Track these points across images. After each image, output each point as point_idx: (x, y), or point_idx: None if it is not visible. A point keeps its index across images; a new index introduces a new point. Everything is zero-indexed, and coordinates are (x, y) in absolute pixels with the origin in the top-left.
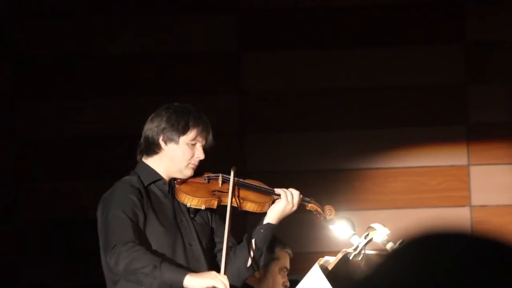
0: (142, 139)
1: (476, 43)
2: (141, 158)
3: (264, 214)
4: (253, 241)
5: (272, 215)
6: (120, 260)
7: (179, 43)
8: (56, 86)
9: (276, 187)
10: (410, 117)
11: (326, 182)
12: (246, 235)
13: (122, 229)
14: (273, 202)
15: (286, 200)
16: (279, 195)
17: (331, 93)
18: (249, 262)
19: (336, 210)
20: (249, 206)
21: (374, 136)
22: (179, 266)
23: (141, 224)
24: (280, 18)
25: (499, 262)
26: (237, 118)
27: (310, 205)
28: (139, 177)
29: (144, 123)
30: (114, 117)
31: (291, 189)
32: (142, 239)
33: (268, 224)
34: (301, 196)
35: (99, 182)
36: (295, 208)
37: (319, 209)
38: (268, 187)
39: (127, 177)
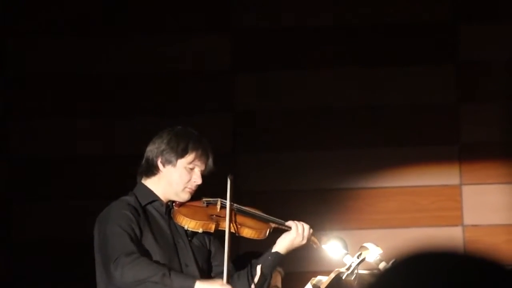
0: (143, 160)
1: (469, 63)
2: (140, 179)
3: (261, 241)
4: (258, 267)
5: (282, 245)
6: (126, 271)
7: (171, 64)
8: (50, 104)
9: (288, 220)
10: (402, 137)
11: (318, 202)
12: (252, 260)
13: (122, 242)
14: (271, 230)
15: (297, 233)
16: (289, 227)
17: (323, 113)
18: (253, 286)
19: (329, 229)
20: (246, 232)
21: (366, 156)
22: (186, 274)
23: (138, 240)
24: (274, 37)
25: (492, 282)
26: (230, 138)
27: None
28: (136, 197)
29: (137, 143)
30: (109, 137)
31: (302, 223)
32: (142, 251)
33: (277, 253)
34: (311, 230)
35: (94, 202)
36: (304, 241)
37: (315, 240)
38: (268, 216)
39: (124, 197)
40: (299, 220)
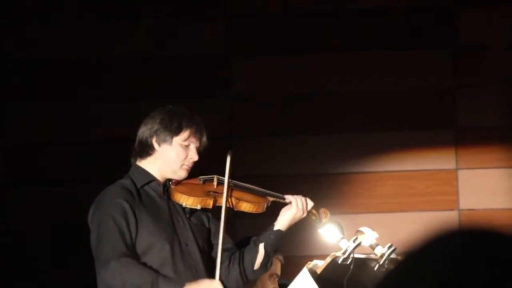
0: (136, 143)
1: (465, 48)
2: (135, 162)
3: (259, 215)
4: (261, 245)
5: (283, 222)
6: (116, 278)
7: (168, 48)
8: (47, 89)
9: (286, 193)
10: (398, 121)
11: (314, 186)
12: (254, 238)
13: (113, 241)
14: (269, 204)
15: (297, 208)
16: (289, 202)
17: (320, 97)
18: (256, 265)
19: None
20: (245, 207)
21: (362, 140)
22: (174, 279)
23: (133, 230)
24: (271, 22)
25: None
26: (227, 122)
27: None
28: (132, 180)
29: (134, 126)
30: (106, 121)
31: (301, 196)
32: (133, 249)
33: (279, 230)
34: (310, 201)
35: (92, 186)
36: (304, 214)
37: (314, 211)
38: (266, 190)
39: (119, 181)
40: None
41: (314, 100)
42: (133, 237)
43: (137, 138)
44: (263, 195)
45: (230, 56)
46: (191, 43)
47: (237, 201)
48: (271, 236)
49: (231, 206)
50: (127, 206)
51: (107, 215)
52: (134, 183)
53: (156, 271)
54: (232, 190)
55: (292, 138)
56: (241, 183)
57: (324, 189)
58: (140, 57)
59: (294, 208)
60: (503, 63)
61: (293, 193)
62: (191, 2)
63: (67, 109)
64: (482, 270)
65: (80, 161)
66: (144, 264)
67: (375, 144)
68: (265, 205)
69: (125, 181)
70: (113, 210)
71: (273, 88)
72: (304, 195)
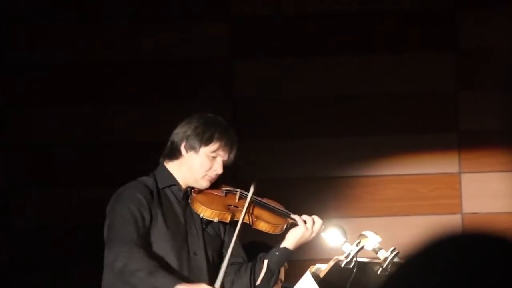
0: (168, 142)
1: (468, 51)
2: (162, 161)
3: (276, 236)
4: (266, 261)
5: (290, 240)
6: (119, 260)
7: (170, 50)
8: (48, 90)
9: (297, 213)
10: (401, 125)
11: (317, 190)
12: (260, 254)
13: (125, 227)
14: (288, 226)
15: (305, 227)
16: (301, 221)
17: (322, 100)
18: (259, 281)
19: (327, 217)
20: (262, 226)
21: (365, 144)
22: (175, 275)
23: (146, 224)
24: (273, 25)
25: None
26: (231, 124)
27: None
28: (155, 179)
29: (134, 129)
30: (109, 125)
31: (313, 216)
32: (144, 240)
33: (285, 248)
34: (322, 224)
35: (94, 189)
36: (314, 235)
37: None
38: (286, 210)
39: (143, 177)
40: (302, 208)
41: (315, 102)
42: (145, 230)
43: (170, 138)
44: (284, 216)
45: (232, 58)
46: (193, 45)
47: (255, 219)
48: (277, 253)
49: (249, 223)
50: (144, 202)
51: (124, 206)
52: (157, 183)
53: (162, 264)
54: (253, 207)
55: (294, 142)
56: (264, 200)
57: (327, 192)
58: (142, 60)
59: (302, 226)
60: (505, 66)
61: (294, 196)
62: (193, 4)
63: (68, 111)
64: (485, 273)
65: (81, 163)
66: (151, 255)
67: (378, 148)
68: (284, 227)
69: (148, 179)
70: (130, 202)
71: (275, 91)
72: (306, 198)
